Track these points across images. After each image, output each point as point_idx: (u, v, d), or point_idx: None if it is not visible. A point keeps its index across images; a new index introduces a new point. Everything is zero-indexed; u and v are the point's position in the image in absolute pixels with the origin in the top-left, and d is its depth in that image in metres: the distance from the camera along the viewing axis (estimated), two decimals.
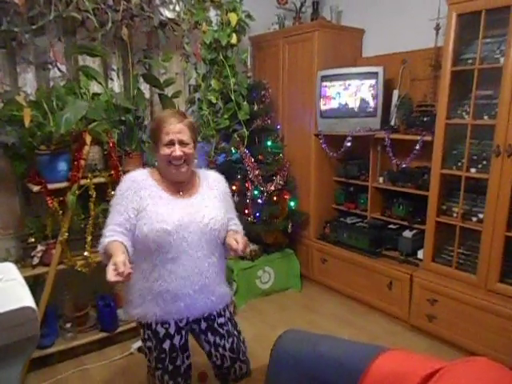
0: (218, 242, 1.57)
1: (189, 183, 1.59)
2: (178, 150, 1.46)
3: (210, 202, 1.57)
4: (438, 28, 2.66)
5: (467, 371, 1.09)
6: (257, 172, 3.01)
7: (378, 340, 2.61)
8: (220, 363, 1.66)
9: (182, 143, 1.48)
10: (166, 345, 1.53)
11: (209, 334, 1.63)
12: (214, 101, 2.97)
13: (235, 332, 1.70)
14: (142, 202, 1.46)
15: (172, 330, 1.54)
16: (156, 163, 1.66)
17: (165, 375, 1.54)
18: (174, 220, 1.44)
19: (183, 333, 1.58)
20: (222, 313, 1.66)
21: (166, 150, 1.47)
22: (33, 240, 2.33)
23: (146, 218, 1.44)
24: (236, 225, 1.69)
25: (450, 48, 2.34)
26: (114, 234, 1.41)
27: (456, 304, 2.44)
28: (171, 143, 1.47)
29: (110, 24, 2.40)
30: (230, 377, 1.71)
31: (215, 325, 1.63)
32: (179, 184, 1.55)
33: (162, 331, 1.53)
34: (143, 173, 1.55)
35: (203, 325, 1.63)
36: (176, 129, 1.47)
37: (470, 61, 2.35)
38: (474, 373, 1.08)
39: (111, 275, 1.20)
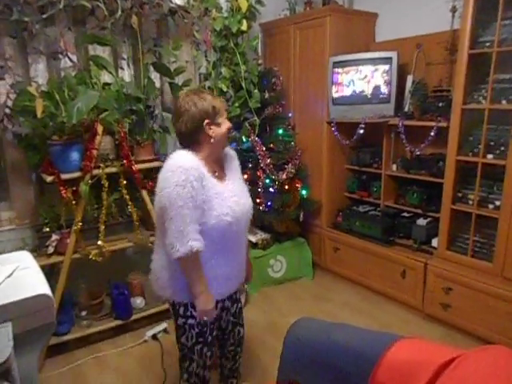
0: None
1: (219, 163, 1.62)
2: (229, 124, 1.55)
3: (242, 186, 1.63)
4: (454, 10, 2.58)
5: (484, 359, 1.07)
6: (268, 160, 2.99)
7: (391, 329, 2.60)
8: (225, 327, 1.79)
9: None
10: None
11: (226, 301, 1.74)
12: (225, 89, 2.95)
13: (240, 299, 1.85)
14: (206, 192, 1.42)
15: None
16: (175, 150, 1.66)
17: (204, 348, 1.64)
18: (234, 212, 1.48)
19: (219, 306, 1.67)
20: None
21: (225, 128, 1.53)
22: (47, 229, 2.37)
23: (212, 210, 1.43)
24: None
25: (468, 30, 2.27)
26: (198, 238, 1.39)
27: (471, 292, 2.41)
28: (227, 120, 1.55)
29: (119, 12, 2.39)
30: (229, 341, 1.83)
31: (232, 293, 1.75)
32: (217, 163, 1.58)
33: None
34: (193, 158, 1.43)
35: None
36: (224, 108, 1.54)
37: (487, 43, 2.28)
38: (490, 360, 1.06)
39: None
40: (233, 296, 1.76)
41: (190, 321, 1.58)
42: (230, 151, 1.70)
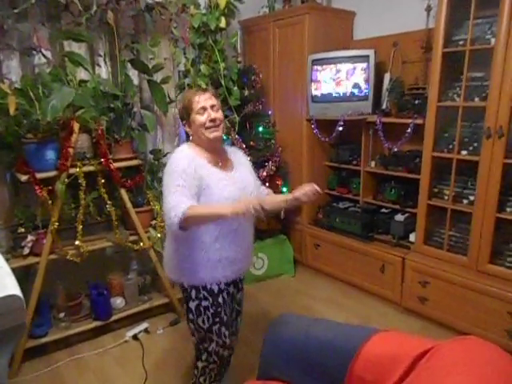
0: None
1: (223, 154, 1.70)
2: (213, 113, 1.57)
3: (247, 176, 1.70)
4: (429, 9, 2.63)
5: (457, 349, 1.10)
6: (248, 158, 2.98)
7: (371, 323, 2.64)
8: (229, 314, 1.79)
9: (213, 108, 1.59)
10: (221, 299, 1.67)
11: (232, 287, 1.77)
12: (204, 86, 2.92)
13: (243, 288, 1.90)
14: (203, 180, 1.52)
15: (222, 286, 1.68)
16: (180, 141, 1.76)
17: (222, 327, 1.68)
18: (235, 197, 1.54)
19: (228, 287, 1.72)
20: None
21: (200, 118, 1.57)
22: (23, 230, 2.30)
23: (212, 195, 1.52)
24: (267, 189, 1.87)
25: (441, 29, 2.32)
26: (189, 203, 1.41)
27: (447, 285, 2.47)
28: (203, 109, 1.57)
29: (94, 7, 2.35)
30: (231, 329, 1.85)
31: (238, 280, 1.81)
32: (217, 154, 1.65)
33: (216, 288, 1.66)
34: (190, 150, 1.59)
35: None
36: (206, 96, 1.59)
37: (461, 42, 2.34)
38: (463, 351, 1.09)
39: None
40: (238, 284, 1.82)
41: (204, 303, 1.65)
42: (237, 149, 1.84)
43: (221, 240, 1.59)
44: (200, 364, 1.77)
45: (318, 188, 1.54)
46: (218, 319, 1.67)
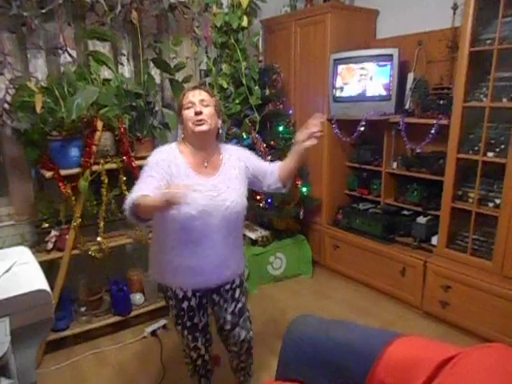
0: (238, 221, 1.65)
1: (213, 155, 1.61)
2: (198, 107, 1.52)
3: (232, 182, 1.59)
4: (455, 7, 2.57)
5: (484, 357, 1.07)
6: (269, 158, 2.97)
7: (390, 326, 2.60)
8: (222, 324, 1.78)
9: (202, 102, 1.54)
10: (185, 305, 1.65)
11: (215, 296, 1.74)
12: (225, 85, 2.94)
13: (241, 298, 1.78)
14: (172, 178, 1.49)
15: (189, 294, 1.65)
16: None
17: (184, 330, 1.70)
18: (198, 206, 1.47)
19: (198, 295, 1.68)
20: (231, 280, 1.74)
21: (187, 112, 1.54)
22: (47, 225, 2.36)
23: None
24: (276, 164, 1.73)
25: (469, 28, 2.26)
26: (144, 192, 1.36)
27: (470, 290, 2.41)
28: (191, 103, 1.53)
29: (119, 7, 2.38)
30: (230, 341, 1.81)
31: (221, 289, 1.73)
32: (205, 153, 1.58)
33: (180, 293, 1.65)
34: (172, 147, 1.59)
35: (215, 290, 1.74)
36: (195, 92, 1.56)
37: (488, 41, 2.27)
38: (490, 359, 1.06)
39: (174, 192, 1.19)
40: (227, 292, 1.72)
41: (170, 302, 1.68)
42: (237, 150, 1.72)
43: (181, 247, 1.54)
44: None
45: (319, 119, 1.52)
46: (179, 321, 1.69)
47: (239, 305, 1.77)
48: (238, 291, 1.76)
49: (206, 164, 1.58)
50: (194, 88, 1.60)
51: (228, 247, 1.61)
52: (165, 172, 1.48)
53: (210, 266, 1.58)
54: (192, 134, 1.54)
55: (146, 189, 1.39)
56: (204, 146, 1.58)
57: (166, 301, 1.78)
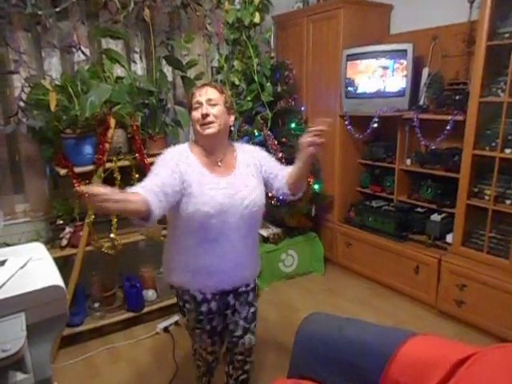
0: (257, 220, 1.60)
1: (227, 154, 1.57)
2: (204, 108, 1.47)
3: (249, 181, 1.55)
4: (472, 1, 2.51)
5: (499, 357, 1.05)
6: (280, 155, 2.96)
7: (404, 325, 2.57)
8: (232, 328, 1.70)
9: (209, 102, 1.48)
10: (204, 308, 1.59)
11: (230, 298, 1.66)
12: (237, 82, 2.93)
13: (254, 303, 1.73)
14: (185, 177, 1.45)
15: (209, 296, 1.59)
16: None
17: (203, 334, 1.64)
18: (216, 204, 1.44)
19: (218, 298, 1.63)
20: (248, 281, 1.70)
21: (194, 113, 1.49)
22: (61, 222, 2.39)
23: (191, 197, 1.44)
24: (287, 169, 1.63)
25: (486, 21, 2.21)
26: (139, 190, 1.33)
27: (486, 289, 2.36)
28: (198, 103, 1.48)
29: (132, 5, 2.39)
30: (237, 349, 1.73)
31: (238, 291, 1.67)
32: (217, 154, 1.54)
33: (199, 296, 1.59)
34: (184, 147, 1.55)
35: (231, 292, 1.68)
36: (203, 90, 1.50)
37: (507, 35, 2.22)
38: (506, 359, 1.04)
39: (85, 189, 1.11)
40: (241, 295, 1.67)
41: (188, 305, 1.61)
42: (251, 148, 1.69)
43: (200, 247, 1.51)
44: (192, 356, 1.82)
45: (323, 124, 1.39)
46: (199, 325, 1.62)
47: (252, 309, 1.71)
48: (251, 295, 1.71)
49: (219, 163, 1.54)
50: (202, 86, 1.54)
51: (247, 247, 1.58)
52: (172, 171, 1.43)
53: (229, 265, 1.54)
54: (200, 136, 1.52)
55: (147, 185, 1.37)
56: (215, 147, 1.54)
57: (180, 307, 1.68)
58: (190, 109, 1.53)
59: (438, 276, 2.61)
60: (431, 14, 2.82)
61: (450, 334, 2.50)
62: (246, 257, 1.59)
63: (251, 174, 1.58)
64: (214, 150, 1.54)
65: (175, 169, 1.44)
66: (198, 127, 1.48)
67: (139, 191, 1.32)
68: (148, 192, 1.33)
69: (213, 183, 1.47)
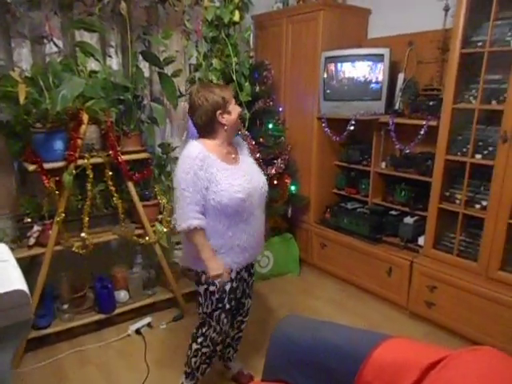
0: (265, 197, 1.84)
1: (236, 146, 1.82)
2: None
3: (255, 167, 1.83)
4: (447, 9, 2.57)
5: (471, 360, 1.07)
6: (257, 155, 2.94)
7: (376, 326, 2.60)
8: (240, 296, 1.94)
9: None
10: (227, 287, 1.77)
11: (243, 272, 1.89)
12: (215, 81, 2.89)
13: (253, 272, 2.02)
14: (212, 177, 1.62)
15: (233, 275, 1.77)
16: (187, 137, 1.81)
17: (222, 314, 1.80)
18: (245, 189, 1.65)
19: (238, 277, 1.83)
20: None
21: (236, 107, 1.71)
22: (29, 220, 2.30)
23: (223, 189, 1.61)
24: None
25: (460, 30, 2.26)
26: (198, 217, 1.61)
27: (456, 291, 2.42)
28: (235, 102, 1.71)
29: None
30: (240, 311, 2.01)
31: (249, 265, 1.94)
32: (229, 147, 1.75)
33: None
34: (201, 149, 1.64)
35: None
36: (232, 92, 1.74)
37: (479, 43, 2.28)
38: (477, 362, 1.06)
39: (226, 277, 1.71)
40: (250, 269, 1.94)
41: (211, 287, 1.75)
42: (240, 140, 1.92)
43: (233, 228, 1.68)
44: (194, 346, 1.88)
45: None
46: (220, 305, 1.78)
47: (253, 277, 2.00)
48: (254, 266, 1.99)
49: (233, 155, 1.74)
50: (225, 87, 1.76)
51: (263, 223, 1.84)
52: (203, 179, 1.60)
53: (255, 240, 1.78)
54: (235, 128, 1.76)
55: (195, 212, 1.61)
56: (232, 140, 1.79)
57: (200, 293, 1.80)
58: (226, 106, 1.65)
59: (410, 278, 2.66)
60: (408, 20, 2.87)
61: (421, 334, 2.55)
62: (262, 232, 1.85)
63: (251, 162, 1.84)
64: (230, 143, 1.77)
65: (205, 175, 1.60)
66: (237, 124, 1.75)
67: (202, 226, 1.63)
68: (201, 216, 1.63)
69: (236, 174, 1.67)
